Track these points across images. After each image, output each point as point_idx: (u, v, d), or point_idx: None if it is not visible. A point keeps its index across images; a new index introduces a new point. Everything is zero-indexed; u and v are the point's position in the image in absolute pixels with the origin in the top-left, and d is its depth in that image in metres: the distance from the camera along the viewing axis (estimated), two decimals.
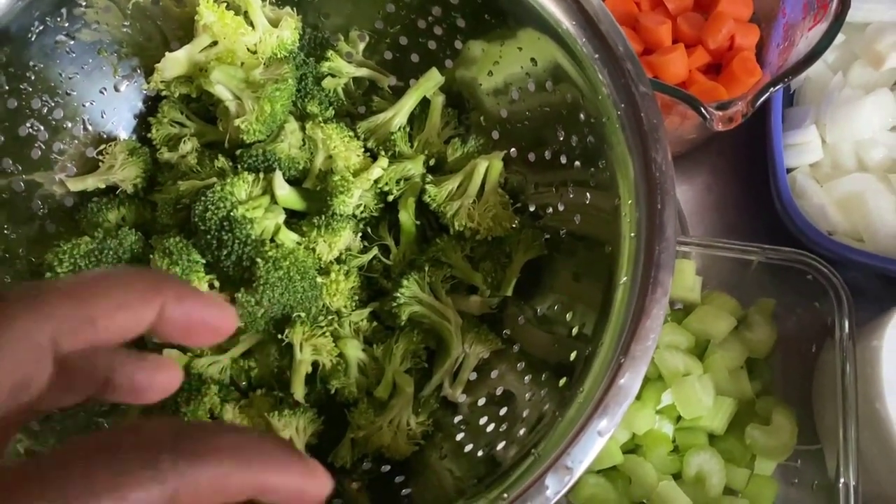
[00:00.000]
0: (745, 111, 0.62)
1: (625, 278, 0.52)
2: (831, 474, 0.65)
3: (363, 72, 0.72)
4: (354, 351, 0.63)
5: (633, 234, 0.53)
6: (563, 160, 0.63)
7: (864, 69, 0.82)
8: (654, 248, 0.52)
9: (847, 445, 0.64)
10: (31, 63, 0.62)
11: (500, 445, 0.56)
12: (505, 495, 0.48)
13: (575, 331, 0.57)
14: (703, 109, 0.61)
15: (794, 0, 0.72)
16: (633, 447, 0.70)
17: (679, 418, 0.69)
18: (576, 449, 0.47)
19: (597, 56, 0.56)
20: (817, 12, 0.67)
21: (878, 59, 0.80)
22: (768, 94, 0.62)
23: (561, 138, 0.62)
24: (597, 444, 0.48)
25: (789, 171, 0.80)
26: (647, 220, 0.53)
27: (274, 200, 0.65)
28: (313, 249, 0.64)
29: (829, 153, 0.80)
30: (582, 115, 0.59)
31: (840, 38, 0.84)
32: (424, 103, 0.70)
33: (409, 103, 0.69)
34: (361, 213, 0.67)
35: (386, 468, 0.62)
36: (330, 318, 0.63)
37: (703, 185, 0.88)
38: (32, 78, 0.62)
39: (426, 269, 0.65)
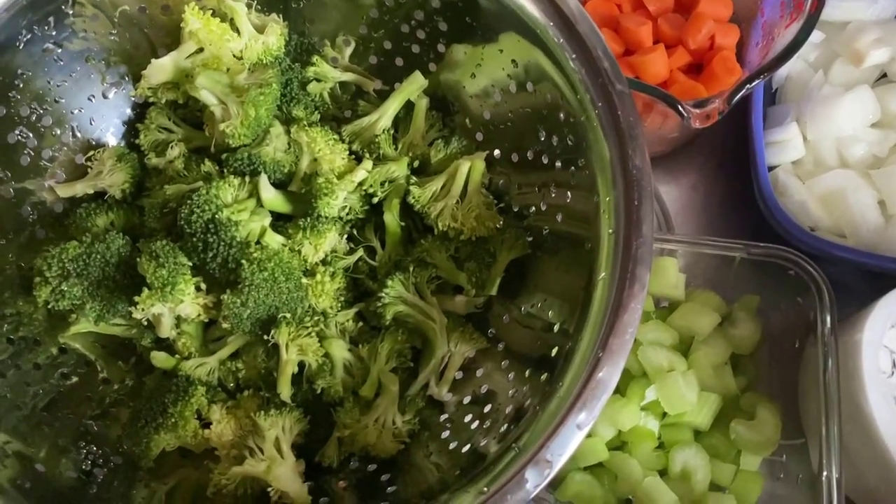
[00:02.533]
0: (722, 108, 0.62)
1: (603, 274, 0.53)
2: (815, 468, 0.65)
3: (349, 76, 0.73)
4: (340, 351, 0.64)
5: (611, 231, 0.54)
6: (545, 160, 0.63)
7: (845, 67, 0.82)
8: (632, 244, 0.52)
9: (830, 439, 0.64)
10: (20, 71, 0.62)
11: (484, 441, 0.56)
12: (486, 489, 0.49)
13: (557, 327, 0.58)
14: (680, 107, 0.62)
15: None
16: (618, 444, 0.70)
17: (664, 414, 0.70)
18: (555, 442, 0.48)
19: (574, 56, 0.57)
20: (793, 11, 0.68)
21: (858, 57, 0.81)
22: (745, 90, 0.62)
23: (542, 139, 0.63)
24: (576, 437, 0.48)
25: (771, 168, 0.80)
26: (624, 216, 0.53)
27: (260, 203, 0.65)
28: (299, 251, 0.65)
29: (811, 150, 0.80)
30: (562, 115, 0.59)
31: (820, 36, 0.85)
32: (409, 106, 0.71)
33: (393, 106, 0.70)
34: (347, 215, 0.68)
35: (373, 467, 0.63)
36: (316, 318, 0.64)
37: (689, 184, 0.89)
38: (20, 86, 0.63)
39: (411, 269, 0.66)
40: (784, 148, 0.80)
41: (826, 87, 0.81)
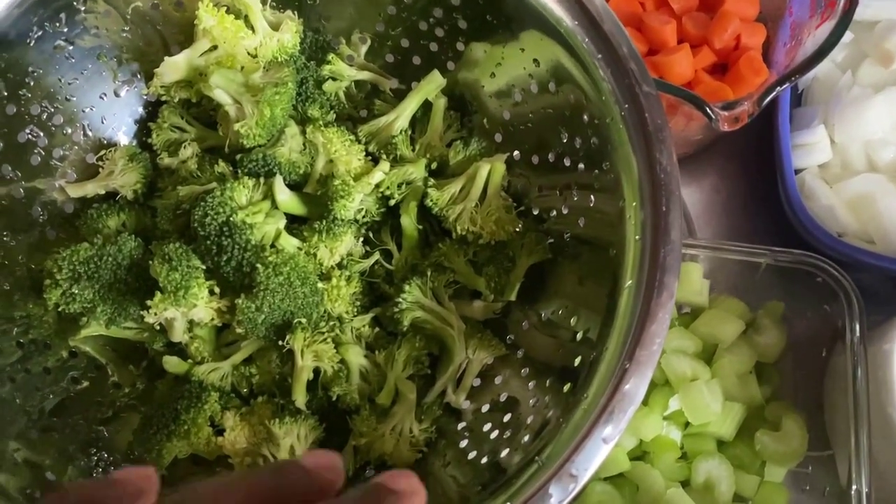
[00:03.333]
0: (752, 111, 0.61)
1: (629, 282, 0.51)
2: (843, 481, 0.64)
3: (365, 75, 0.72)
4: (356, 357, 0.63)
5: (637, 237, 0.52)
6: (567, 162, 0.62)
7: (874, 68, 0.80)
8: (660, 251, 0.51)
9: (859, 451, 0.62)
10: (30, 69, 0.61)
11: (504, 452, 0.55)
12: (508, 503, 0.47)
13: (580, 336, 0.56)
14: (708, 109, 0.60)
15: None
16: (640, 454, 0.69)
17: (687, 424, 0.68)
18: (580, 456, 0.47)
19: (600, 56, 0.56)
20: (825, 10, 0.66)
21: (888, 58, 0.79)
22: (774, 93, 0.61)
23: (564, 140, 0.61)
24: (602, 451, 0.47)
25: (798, 171, 0.78)
26: (651, 222, 0.52)
27: (275, 205, 0.64)
28: (314, 255, 0.63)
29: (839, 153, 0.79)
30: (585, 117, 0.58)
31: (848, 36, 0.83)
32: (426, 106, 0.70)
33: (410, 106, 0.68)
34: (363, 217, 0.66)
35: None
36: (331, 323, 0.63)
37: (711, 186, 0.87)
38: (31, 83, 0.62)
39: (429, 273, 0.65)
40: (811, 151, 0.78)
41: (855, 88, 0.79)
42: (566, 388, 0.54)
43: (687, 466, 0.68)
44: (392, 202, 0.67)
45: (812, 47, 0.66)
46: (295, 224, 0.66)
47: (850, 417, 0.63)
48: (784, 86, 0.62)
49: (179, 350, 0.64)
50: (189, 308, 0.59)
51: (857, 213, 0.75)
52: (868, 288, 0.70)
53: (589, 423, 0.48)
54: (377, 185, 0.66)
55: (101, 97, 0.67)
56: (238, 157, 0.66)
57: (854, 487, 0.62)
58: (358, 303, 0.65)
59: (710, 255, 0.72)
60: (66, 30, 0.62)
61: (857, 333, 0.66)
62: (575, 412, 0.49)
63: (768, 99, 0.61)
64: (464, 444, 0.60)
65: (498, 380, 0.63)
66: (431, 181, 0.67)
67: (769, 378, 0.72)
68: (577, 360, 0.54)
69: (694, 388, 0.66)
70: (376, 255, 0.67)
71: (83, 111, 0.67)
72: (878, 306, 0.71)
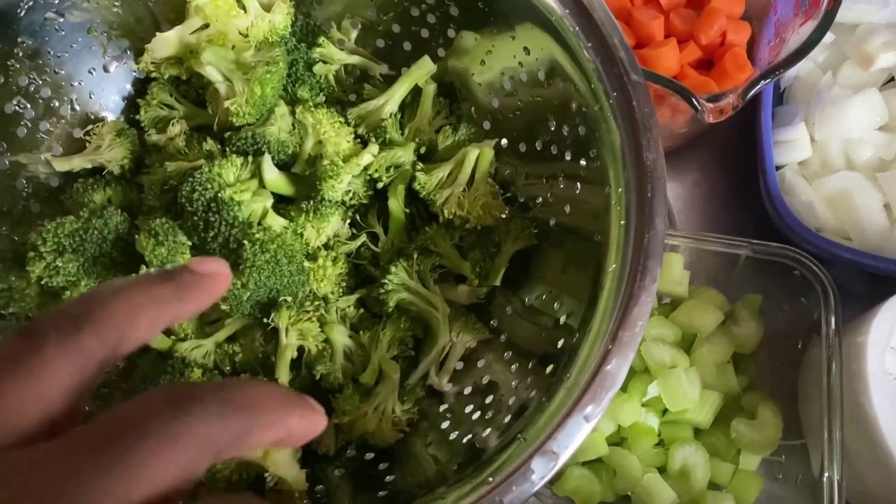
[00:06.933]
0: (736, 103, 0.62)
1: (613, 265, 0.52)
2: (815, 469, 0.65)
3: (355, 59, 0.72)
4: (340, 337, 0.63)
5: (622, 222, 0.53)
6: (555, 151, 0.62)
7: (854, 69, 0.82)
8: (644, 236, 0.51)
9: (832, 441, 0.64)
10: (20, 39, 0.61)
11: (485, 433, 0.55)
12: (490, 479, 0.47)
13: (562, 320, 0.57)
14: (694, 101, 0.61)
15: None
16: (618, 440, 0.70)
17: (665, 411, 0.69)
18: (562, 434, 0.47)
19: (589, 45, 0.56)
20: (808, 9, 0.67)
21: (868, 60, 0.80)
22: (759, 87, 0.62)
23: (552, 129, 0.62)
24: (583, 429, 0.47)
25: (778, 168, 0.80)
26: (636, 207, 0.52)
27: (262, 184, 0.64)
28: (301, 234, 0.63)
29: (818, 151, 0.80)
30: (574, 105, 0.58)
31: (830, 37, 0.85)
32: (416, 92, 0.70)
33: (400, 91, 0.69)
34: (350, 199, 0.67)
35: (370, 455, 0.62)
36: (317, 303, 0.63)
37: (693, 181, 0.89)
38: (20, 54, 0.61)
39: (415, 257, 0.65)
40: (791, 148, 0.79)
41: (835, 88, 0.81)
42: (548, 369, 0.54)
43: (664, 453, 0.69)
44: (380, 185, 0.68)
45: (795, 45, 0.67)
46: (282, 204, 0.66)
47: (823, 408, 0.65)
48: (768, 80, 0.63)
49: None
50: None
51: (835, 209, 0.77)
52: (844, 282, 0.71)
53: (571, 401, 0.48)
54: (365, 168, 0.66)
55: (90, 72, 0.67)
56: (227, 134, 0.66)
57: (826, 476, 0.63)
58: (343, 283, 0.65)
59: (690, 246, 0.73)
60: (57, 1, 0.62)
61: (833, 326, 0.67)
62: (557, 392, 0.50)
63: (753, 92, 0.62)
64: (445, 425, 0.61)
65: (481, 363, 0.64)
66: (420, 165, 0.67)
67: (746, 368, 0.73)
68: (560, 344, 0.55)
69: (672, 376, 0.67)
70: (363, 238, 0.68)
71: (71, 85, 0.66)
72: (854, 301, 0.73)
